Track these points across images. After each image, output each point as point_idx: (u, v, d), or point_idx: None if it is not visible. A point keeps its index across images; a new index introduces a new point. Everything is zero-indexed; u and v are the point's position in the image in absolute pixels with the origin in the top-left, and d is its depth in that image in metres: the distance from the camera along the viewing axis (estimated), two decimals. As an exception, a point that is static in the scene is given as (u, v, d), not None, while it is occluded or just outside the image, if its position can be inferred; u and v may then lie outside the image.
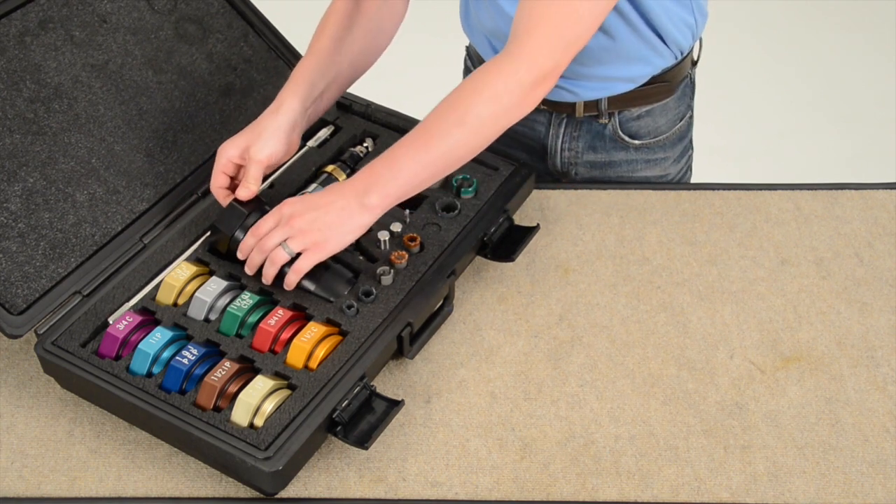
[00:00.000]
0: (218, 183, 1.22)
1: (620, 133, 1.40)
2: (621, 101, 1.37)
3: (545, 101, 1.40)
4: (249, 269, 1.16)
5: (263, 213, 1.18)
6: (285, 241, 1.12)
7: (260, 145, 1.19)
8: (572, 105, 1.38)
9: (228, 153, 1.20)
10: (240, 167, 1.22)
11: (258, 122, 1.22)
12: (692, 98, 1.46)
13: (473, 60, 1.51)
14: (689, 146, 1.51)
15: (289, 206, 1.13)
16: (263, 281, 1.15)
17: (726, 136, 2.99)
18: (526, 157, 1.47)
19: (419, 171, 1.12)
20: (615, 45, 1.29)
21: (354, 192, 1.12)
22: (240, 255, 1.17)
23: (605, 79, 1.34)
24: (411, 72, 3.04)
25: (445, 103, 1.13)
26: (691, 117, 1.47)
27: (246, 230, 1.17)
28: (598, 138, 1.41)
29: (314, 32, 1.29)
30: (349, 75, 1.31)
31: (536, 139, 1.46)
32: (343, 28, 1.28)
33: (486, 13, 1.33)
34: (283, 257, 1.12)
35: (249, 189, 1.18)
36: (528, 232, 1.28)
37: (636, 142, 1.41)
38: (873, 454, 1.08)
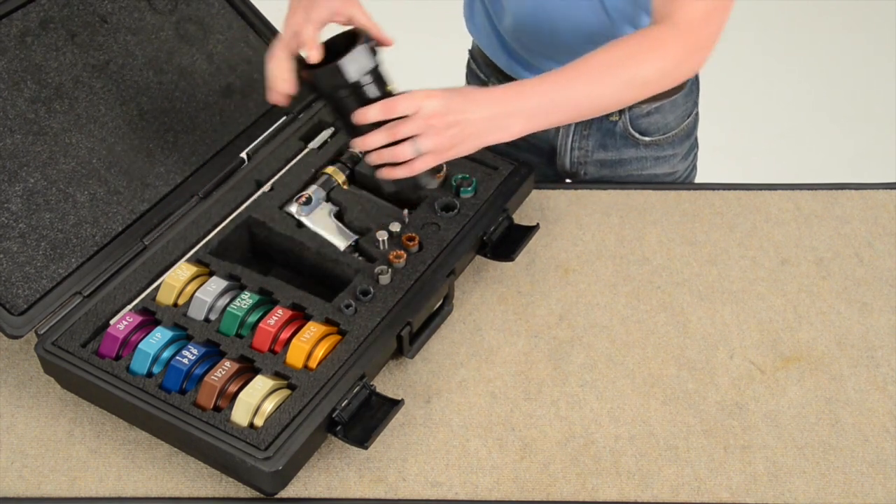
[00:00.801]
0: (309, 34, 1.07)
1: (631, 130, 1.40)
2: None
3: None
4: (363, 146, 1.06)
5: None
6: (416, 136, 1.05)
7: (362, 9, 1.12)
8: None
9: (332, 5, 1.09)
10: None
11: None
12: (698, 95, 1.46)
13: (478, 62, 1.51)
14: (696, 143, 1.52)
15: (433, 100, 1.04)
16: (370, 161, 1.07)
17: (727, 136, 2.99)
18: (533, 160, 1.47)
19: (568, 113, 1.12)
20: None
21: (500, 109, 1.07)
22: (359, 120, 1.05)
23: None
24: (413, 72, 3.04)
25: (613, 57, 1.11)
26: (697, 114, 1.48)
27: (355, 90, 1.05)
28: (608, 136, 1.41)
29: None
30: None
31: (545, 139, 1.46)
32: None
33: (506, 13, 1.33)
34: (409, 154, 1.05)
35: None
36: (528, 231, 1.28)
37: (646, 138, 1.41)
38: (873, 454, 1.08)
